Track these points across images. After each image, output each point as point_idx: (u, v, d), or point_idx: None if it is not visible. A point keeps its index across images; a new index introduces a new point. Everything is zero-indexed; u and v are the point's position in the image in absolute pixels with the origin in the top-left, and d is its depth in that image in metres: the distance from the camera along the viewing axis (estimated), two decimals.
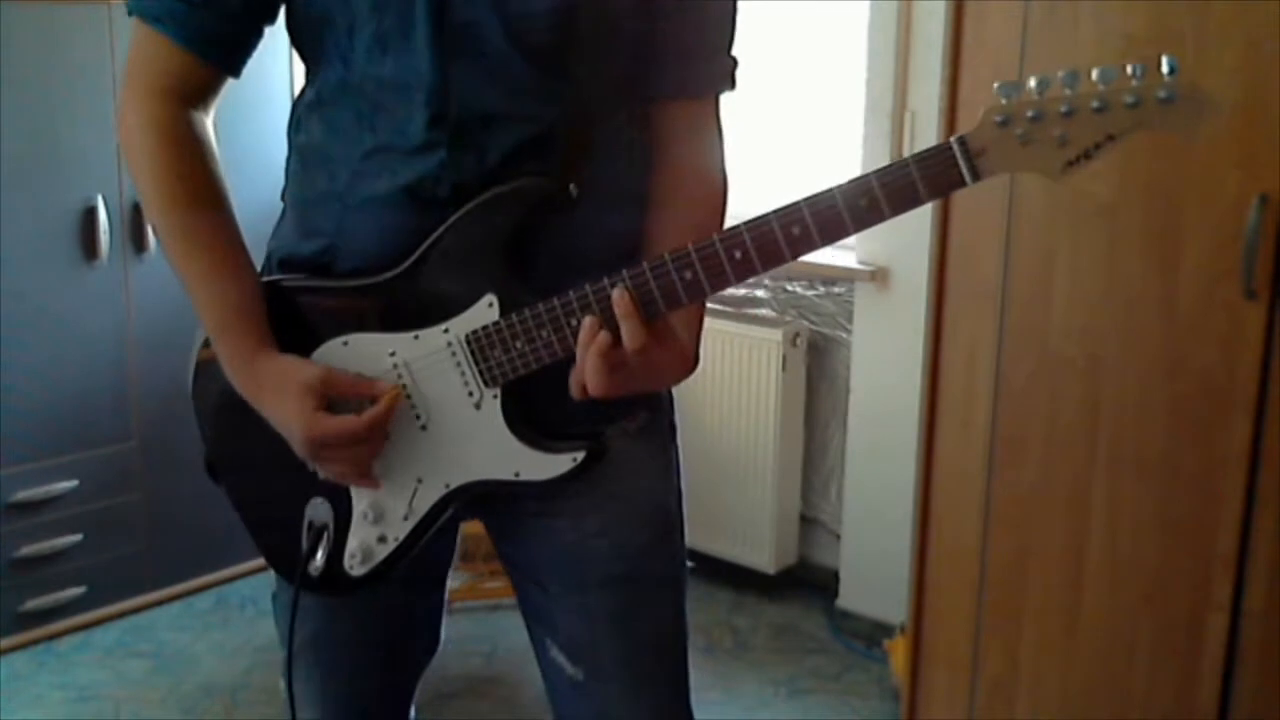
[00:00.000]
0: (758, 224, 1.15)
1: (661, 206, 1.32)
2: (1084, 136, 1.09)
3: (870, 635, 3.02)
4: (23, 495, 2.94)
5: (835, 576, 3.17)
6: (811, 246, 1.15)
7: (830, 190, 1.13)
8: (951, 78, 2.08)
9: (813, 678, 2.91)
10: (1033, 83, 1.09)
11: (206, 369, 1.33)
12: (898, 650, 2.69)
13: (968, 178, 1.11)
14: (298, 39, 1.31)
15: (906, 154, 2.97)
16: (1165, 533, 1.97)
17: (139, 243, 3.05)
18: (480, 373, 1.24)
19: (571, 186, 1.22)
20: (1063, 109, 1.08)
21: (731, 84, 1.35)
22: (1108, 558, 2.04)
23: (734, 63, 1.35)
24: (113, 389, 3.08)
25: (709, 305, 1.32)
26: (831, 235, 1.14)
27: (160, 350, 3.09)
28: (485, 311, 1.22)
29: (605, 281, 1.18)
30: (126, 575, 3.15)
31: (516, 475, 1.26)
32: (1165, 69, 1.05)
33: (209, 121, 1.32)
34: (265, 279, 1.31)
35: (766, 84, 3.24)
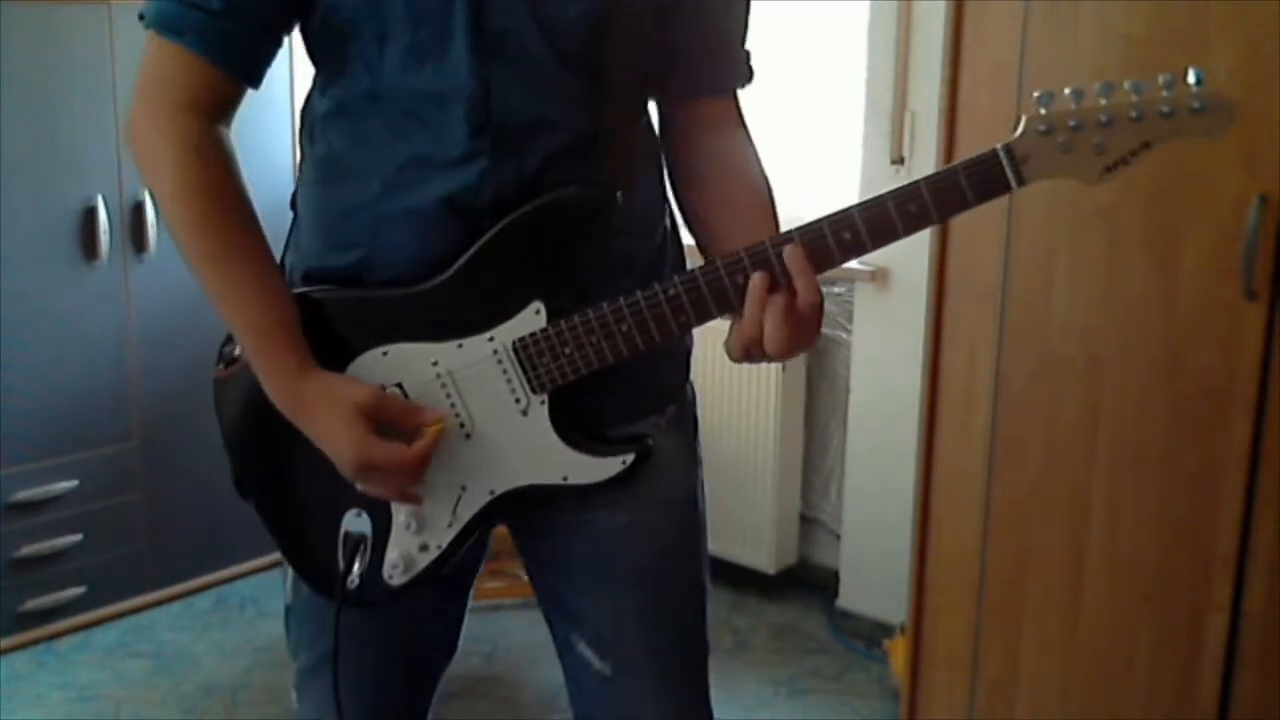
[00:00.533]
0: (810, 229, 1.18)
1: (716, 209, 1.34)
2: (1121, 144, 1.15)
3: (870, 635, 3.02)
4: (23, 495, 2.94)
5: (835, 576, 3.17)
6: (861, 250, 1.20)
7: (881, 196, 1.18)
8: (951, 78, 2.08)
9: (813, 678, 2.90)
10: (1068, 92, 1.14)
11: (226, 385, 1.31)
12: (898, 650, 2.69)
13: (1013, 183, 1.17)
14: (314, 48, 1.28)
15: (906, 154, 2.99)
16: (1165, 533, 1.97)
17: (139, 243, 3.05)
18: (529, 380, 1.24)
19: (619, 194, 1.23)
20: (1102, 118, 1.14)
21: (750, 76, 1.38)
22: (1108, 558, 2.04)
23: (748, 55, 1.37)
24: (113, 389, 3.08)
25: None
26: (881, 239, 1.19)
27: (160, 350, 3.09)
28: (532, 319, 1.23)
29: (656, 287, 1.20)
30: (126, 575, 3.15)
31: (565, 479, 1.27)
32: (1193, 79, 1.12)
33: (232, 136, 1.28)
34: (296, 291, 1.28)
35: (766, 84, 3.23)
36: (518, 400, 1.25)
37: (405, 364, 1.25)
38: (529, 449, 1.26)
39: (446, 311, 1.24)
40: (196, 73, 1.23)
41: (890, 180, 2.84)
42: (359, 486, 1.27)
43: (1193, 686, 1.97)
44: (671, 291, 1.20)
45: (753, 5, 1.36)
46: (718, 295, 1.20)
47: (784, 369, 3.08)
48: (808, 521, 3.29)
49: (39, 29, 2.84)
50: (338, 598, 1.30)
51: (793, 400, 3.16)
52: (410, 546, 1.29)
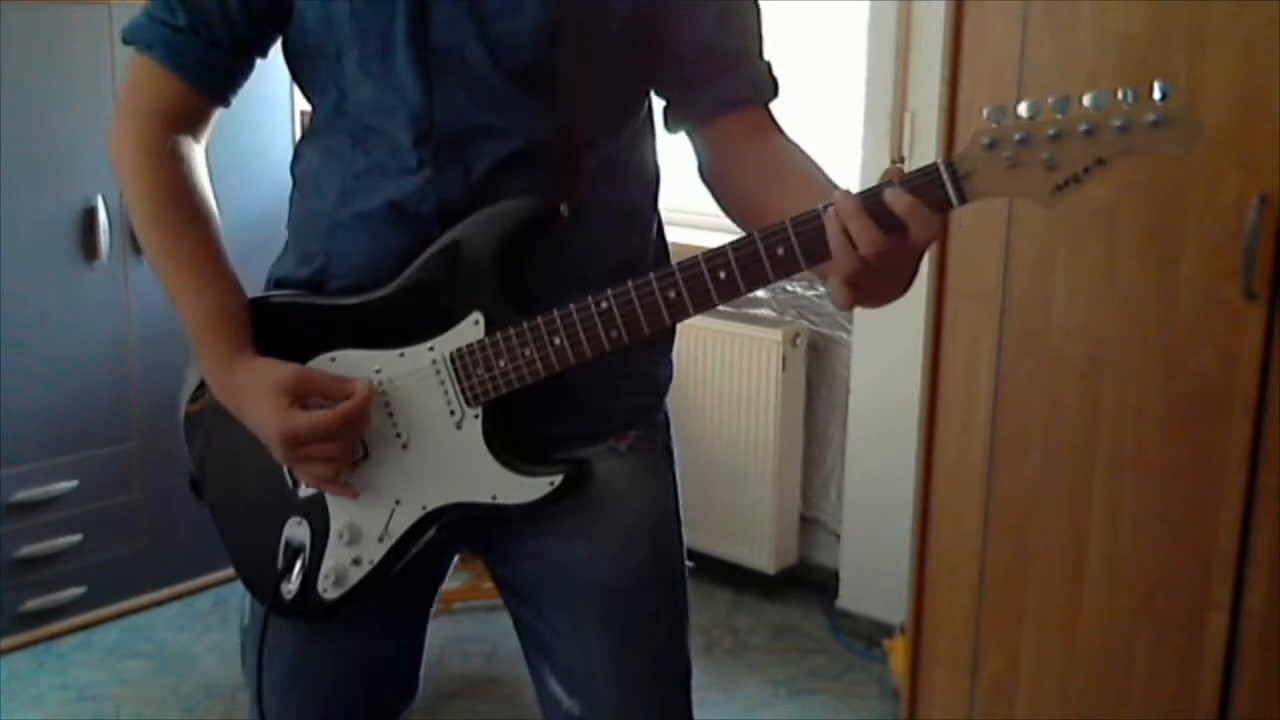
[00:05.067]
0: (742, 243, 1.13)
1: (779, 195, 1.25)
2: (1072, 160, 1.08)
3: (870, 635, 3.02)
4: (23, 495, 2.94)
5: (835, 576, 3.17)
6: (795, 266, 1.13)
7: (814, 211, 1.11)
8: (951, 78, 2.08)
9: (813, 678, 2.91)
10: (1023, 107, 1.07)
11: (202, 384, 1.34)
12: (898, 650, 2.69)
13: (954, 200, 1.09)
14: (297, 75, 1.32)
15: (906, 154, 2.98)
16: (1165, 533, 1.97)
17: (139, 243, 3.05)
18: (462, 391, 1.24)
19: (563, 206, 1.21)
20: (1051, 132, 1.07)
21: (775, 88, 1.33)
22: (1108, 558, 2.04)
23: (768, 66, 1.33)
24: (113, 389, 3.08)
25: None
26: (816, 256, 1.12)
27: (160, 350, 3.09)
28: (471, 329, 1.22)
29: (589, 300, 1.18)
30: (126, 575, 3.15)
31: (493, 499, 1.26)
32: (1158, 94, 1.04)
33: (198, 147, 1.34)
34: (259, 295, 1.32)
35: None
36: (452, 413, 1.24)
37: (350, 370, 1.26)
38: (460, 464, 1.25)
39: (391, 320, 1.25)
40: (163, 84, 1.30)
41: None
42: (296, 476, 1.29)
43: (1193, 686, 1.97)
44: (604, 305, 1.17)
45: (763, 17, 1.32)
46: (649, 311, 1.16)
47: (784, 369, 3.08)
48: (808, 521, 3.29)
49: (39, 29, 2.84)
50: (268, 604, 1.32)
51: (793, 400, 3.16)
52: (344, 559, 1.29)
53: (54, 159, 2.90)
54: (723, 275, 1.14)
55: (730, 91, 1.30)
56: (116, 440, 3.10)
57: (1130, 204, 1.94)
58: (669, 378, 1.39)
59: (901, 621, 2.63)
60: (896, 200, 1.08)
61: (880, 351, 2.99)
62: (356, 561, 1.29)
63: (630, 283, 1.16)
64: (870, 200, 1.08)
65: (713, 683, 2.83)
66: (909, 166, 3.13)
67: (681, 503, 1.41)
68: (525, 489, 1.25)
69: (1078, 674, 2.11)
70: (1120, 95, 1.05)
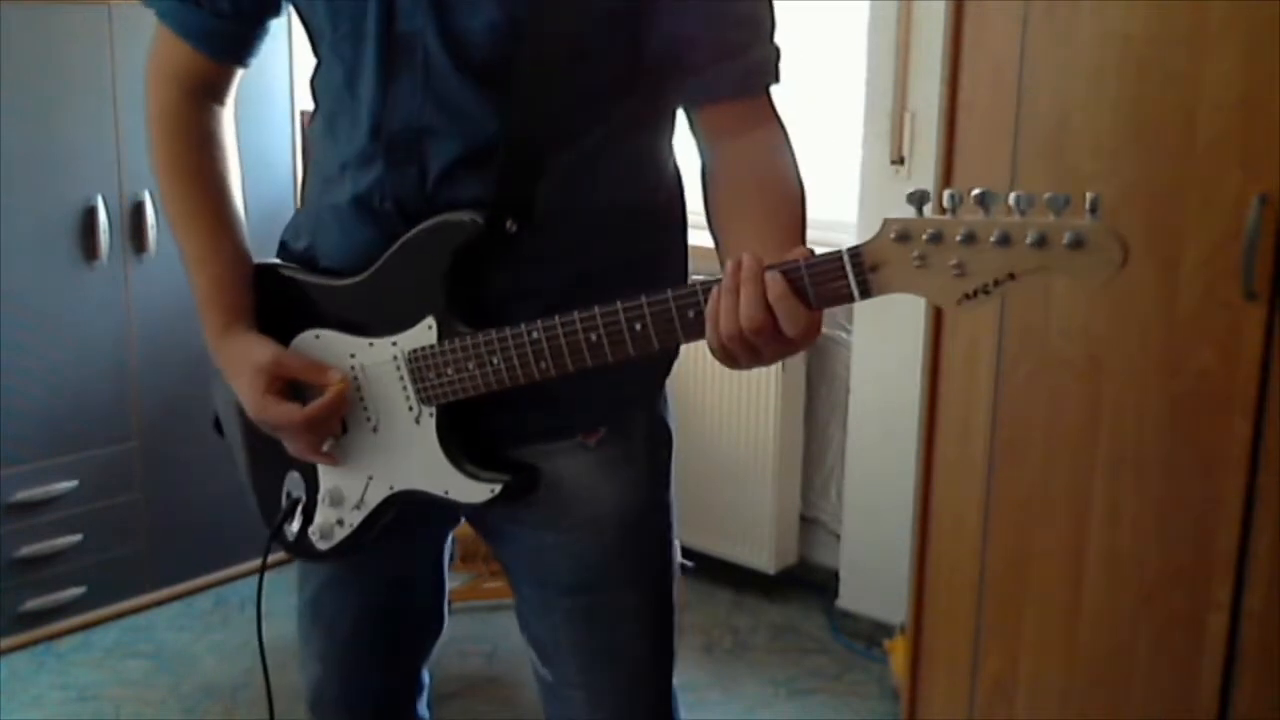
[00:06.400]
0: (658, 301, 1.12)
1: (731, 215, 1.27)
2: (983, 270, 1.00)
3: (870, 635, 3.02)
4: (23, 495, 2.94)
5: (835, 576, 3.17)
6: (700, 333, 1.11)
7: (716, 279, 1.10)
8: (951, 78, 2.08)
9: (813, 678, 2.91)
10: (946, 195, 1.00)
11: None
12: (898, 650, 2.70)
13: (856, 293, 1.04)
14: (310, 40, 1.35)
15: (906, 154, 2.98)
16: (1165, 533, 1.97)
17: (139, 243, 3.05)
18: (417, 390, 1.26)
19: (509, 223, 1.21)
20: (960, 235, 0.99)
21: (773, 77, 1.30)
22: (1108, 558, 2.04)
23: (773, 53, 1.29)
24: (113, 389, 3.08)
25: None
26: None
27: (160, 350, 3.09)
28: (425, 333, 1.25)
29: (524, 328, 1.18)
30: (126, 575, 3.15)
31: (445, 493, 1.29)
32: (1087, 206, 0.96)
33: (221, 109, 1.38)
34: (265, 261, 1.38)
35: None
36: (411, 408, 1.28)
37: (331, 350, 1.30)
38: (418, 455, 1.29)
39: (362, 310, 1.28)
40: (178, 51, 1.34)
41: (890, 180, 2.85)
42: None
43: (1193, 686, 1.97)
44: (534, 335, 1.18)
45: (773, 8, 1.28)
46: (573, 349, 1.17)
47: (784, 368, 3.08)
48: (808, 521, 3.30)
49: (39, 29, 2.84)
50: (268, 542, 1.40)
51: (793, 400, 3.16)
52: (328, 519, 1.35)
53: (54, 159, 2.90)
54: (638, 328, 1.14)
55: (715, 83, 1.27)
56: (116, 440, 3.10)
57: (1130, 204, 1.93)
58: (653, 380, 1.38)
59: (901, 621, 2.63)
60: (771, 285, 1.05)
61: (880, 351, 2.99)
62: (340, 522, 1.35)
63: (557, 318, 1.17)
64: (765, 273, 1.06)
65: (713, 683, 2.83)
66: (909, 167, 3.13)
67: (673, 491, 1.42)
68: (471, 490, 1.28)
69: (1078, 674, 2.11)
70: (1047, 200, 0.97)
